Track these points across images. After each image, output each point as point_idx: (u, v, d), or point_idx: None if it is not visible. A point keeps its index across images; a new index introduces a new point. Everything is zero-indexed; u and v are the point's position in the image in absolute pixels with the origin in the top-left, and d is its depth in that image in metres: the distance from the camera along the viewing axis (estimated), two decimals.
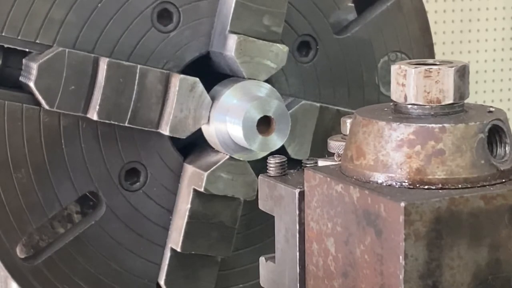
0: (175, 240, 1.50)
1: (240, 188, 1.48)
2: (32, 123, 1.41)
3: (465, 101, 1.06)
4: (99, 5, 1.43)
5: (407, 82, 1.03)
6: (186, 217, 1.48)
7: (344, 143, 1.12)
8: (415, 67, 1.02)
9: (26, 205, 1.42)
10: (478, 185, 0.98)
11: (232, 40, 1.44)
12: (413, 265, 0.94)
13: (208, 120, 1.46)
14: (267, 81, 1.49)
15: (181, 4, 1.48)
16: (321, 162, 1.20)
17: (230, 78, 1.50)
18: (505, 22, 2.64)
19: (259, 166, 1.46)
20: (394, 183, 1.00)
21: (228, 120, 1.43)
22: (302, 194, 1.11)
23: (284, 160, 1.20)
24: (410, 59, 1.62)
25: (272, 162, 1.20)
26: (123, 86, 1.41)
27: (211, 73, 1.52)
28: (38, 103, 1.41)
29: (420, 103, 1.02)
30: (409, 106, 1.03)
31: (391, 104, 1.08)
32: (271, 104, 1.42)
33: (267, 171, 1.20)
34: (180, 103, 1.43)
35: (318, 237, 1.07)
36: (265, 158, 1.29)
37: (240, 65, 1.45)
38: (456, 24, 2.59)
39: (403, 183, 0.99)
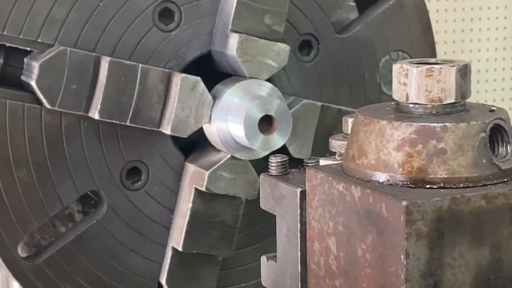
0: (177, 239, 1.50)
1: (241, 187, 1.49)
2: (33, 122, 1.42)
3: (467, 100, 1.06)
4: (100, 4, 1.43)
5: (408, 81, 1.03)
6: (188, 216, 1.48)
7: (345, 142, 1.12)
8: (417, 66, 1.02)
9: (28, 204, 1.42)
10: (480, 185, 0.98)
11: (234, 39, 1.45)
12: (414, 264, 0.94)
13: (210, 119, 1.46)
14: (268, 80, 1.49)
15: (183, 3, 1.48)
16: (323, 161, 1.19)
17: (231, 77, 1.50)
18: (507, 21, 2.64)
19: (261, 165, 1.46)
20: (395, 183, 1.00)
21: (229, 119, 1.43)
22: (303, 193, 1.11)
23: (285, 159, 1.20)
24: (411, 58, 1.62)
25: (274, 161, 1.20)
26: (124, 85, 1.42)
27: (212, 72, 1.52)
28: (39, 102, 1.41)
29: (422, 102, 1.02)
30: (411, 105, 1.03)
31: (393, 103, 1.08)
32: (272, 103, 1.42)
33: (269, 170, 1.20)
34: (181, 102, 1.43)
35: (319, 236, 1.07)
36: (266, 157, 1.29)
37: (242, 64, 1.45)
38: (457, 23, 2.59)
39: (405, 183, 0.99)
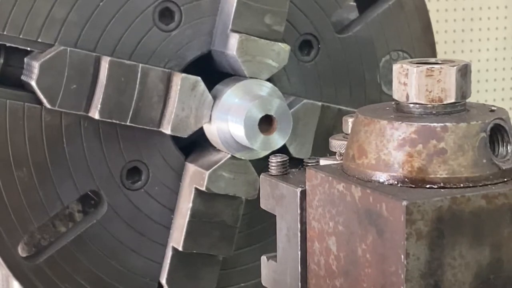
0: (177, 239, 1.50)
1: (241, 187, 1.49)
2: (33, 122, 1.42)
3: (467, 100, 1.05)
4: (100, 4, 1.43)
5: (409, 81, 1.03)
6: (188, 216, 1.48)
7: (345, 142, 1.12)
8: (417, 66, 1.02)
9: (28, 204, 1.42)
10: (480, 184, 0.98)
11: (234, 39, 1.44)
12: (414, 264, 0.94)
13: (210, 119, 1.46)
14: (268, 80, 1.49)
15: (183, 3, 1.48)
16: (323, 161, 1.19)
17: (231, 77, 1.50)
18: (507, 21, 2.64)
19: (261, 165, 1.46)
20: (395, 182, 1.00)
21: (229, 119, 1.43)
22: (303, 193, 1.10)
23: (285, 159, 1.20)
24: (412, 58, 1.62)
25: (274, 161, 1.20)
26: (124, 85, 1.42)
27: (212, 72, 1.52)
28: (39, 102, 1.41)
29: (422, 102, 1.02)
30: (411, 105, 1.03)
31: (393, 103, 1.08)
32: (272, 103, 1.42)
33: (269, 170, 1.20)
34: (181, 102, 1.43)
35: (319, 236, 1.07)
36: (266, 157, 1.29)
37: (242, 64, 1.45)
38: (457, 23, 2.59)
39: (405, 182, 0.99)
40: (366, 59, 1.61)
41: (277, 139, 1.43)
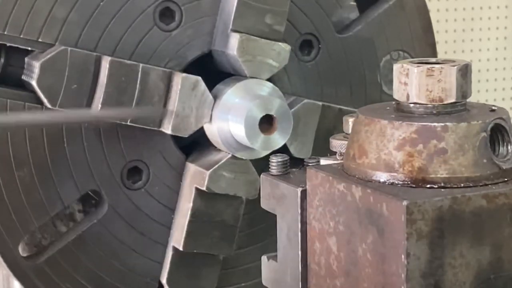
0: (177, 238, 1.50)
1: (242, 186, 1.49)
2: None
3: (468, 100, 1.06)
4: (101, 3, 1.43)
5: (409, 81, 1.03)
6: (188, 215, 1.48)
7: (346, 142, 1.12)
8: (418, 66, 1.02)
9: (29, 204, 1.42)
10: (481, 184, 0.98)
11: (234, 39, 1.45)
12: (415, 264, 0.94)
13: (210, 118, 1.46)
14: (269, 80, 1.49)
15: (183, 2, 1.48)
16: (323, 161, 1.20)
17: (232, 77, 1.50)
18: (507, 20, 2.64)
19: (261, 165, 1.46)
20: (396, 182, 1.00)
21: (230, 118, 1.43)
22: (304, 193, 1.11)
23: (286, 158, 1.20)
24: (412, 57, 1.62)
25: (274, 160, 1.20)
26: (125, 84, 1.42)
27: (213, 71, 1.52)
28: (40, 102, 1.41)
29: (423, 102, 1.02)
30: (412, 105, 1.03)
31: (393, 103, 1.08)
32: (273, 103, 1.42)
33: (269, 169, 1.20)
34: (182, 101, 1.43)
35: (320, 236, 1.07)
36: (267, 157, 1.29)
37: (242, 64, 1.45)
38: (458, 23, 2.59)
39: (405, 182, 0.99)
40: (367, 59, 1.61)
41: (278, 139, 1.43)
